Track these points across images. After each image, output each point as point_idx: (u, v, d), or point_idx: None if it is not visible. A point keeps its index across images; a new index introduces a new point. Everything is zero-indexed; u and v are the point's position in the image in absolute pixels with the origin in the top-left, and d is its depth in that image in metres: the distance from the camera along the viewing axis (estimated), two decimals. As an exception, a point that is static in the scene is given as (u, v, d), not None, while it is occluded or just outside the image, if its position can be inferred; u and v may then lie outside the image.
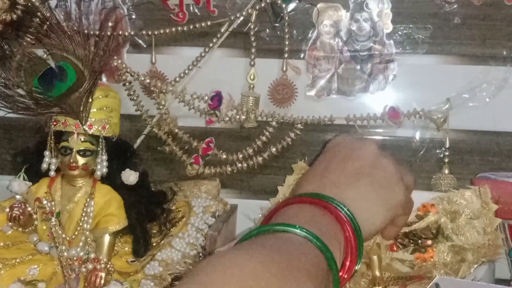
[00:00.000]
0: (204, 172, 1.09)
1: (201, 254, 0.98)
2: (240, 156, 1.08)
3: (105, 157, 0.97)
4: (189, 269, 0.89)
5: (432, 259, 0.84)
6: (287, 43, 1.04)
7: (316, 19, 1.07)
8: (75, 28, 0.97)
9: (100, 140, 0.97)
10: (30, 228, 1.00)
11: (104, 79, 1.11)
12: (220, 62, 1.10)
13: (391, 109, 1.04)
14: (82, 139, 0.97)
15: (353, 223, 0.57)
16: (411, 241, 0.86)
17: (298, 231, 0.52)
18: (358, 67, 1.07)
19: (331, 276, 0.51)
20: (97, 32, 0.98)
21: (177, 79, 1.09)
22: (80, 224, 0.97)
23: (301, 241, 0.51)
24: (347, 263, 0.55)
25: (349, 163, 0.63)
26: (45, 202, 0.97)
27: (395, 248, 0.87)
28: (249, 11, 1.04)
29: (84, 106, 0.96)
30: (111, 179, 0.98)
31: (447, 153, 1.05)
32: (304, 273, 0.47)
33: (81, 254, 0.95)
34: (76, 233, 0.97)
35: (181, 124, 1.12)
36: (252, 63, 1.04)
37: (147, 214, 1.01)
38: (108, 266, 0.95)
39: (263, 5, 1.04)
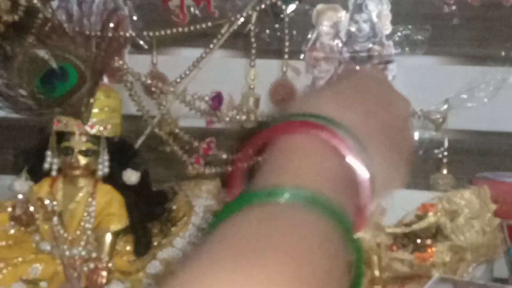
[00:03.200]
0: (205, 172, 1.10)
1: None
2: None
3: (106, 157, 0.98)
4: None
5: (431, 259, 0.84)
6: (287, 44, 1.04)
7: (316, 20, 1.07)
8: (77, 29, 0.98)
9: (102, 140, 0.98)
10: (32, 228, 1.00)
11: (105, 79, 1.12)
12: (220, 63, 1.11)
13: (390, 109, 1.05)
14: (84, 139, 0.97)
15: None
16: (410, 240, 0.86)
17: (305, 199, 0.33)
18: (358, 67, 1.08)
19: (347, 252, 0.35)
20: (98, 33, 0.98)
21: (178, 80, 1.09)
22: (82, 223, 0.97)
23: (316, 217, 0.33)
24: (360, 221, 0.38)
25: (378, 111, 0.44)
26: (47, 201, 0.97)
27: (394, 248, 0.88)
28: (249, 12, 1.05)
29: (86, 106, 0.96)
30: (113, 179, 0.99)
31: (445, 153, 1.05)
32: (319, 265, 0.31)
33: (83, 253, 0.96)
34: (78, 232, 0.97)
35: (182, 124, 1.13)
36: (252, 64, 1.05)
37: (148, 213, 1.01)
38: (110, 265, 0.96)
39: (263, 6, 1.04)
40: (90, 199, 0.97)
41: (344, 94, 0.44)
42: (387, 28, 1.06)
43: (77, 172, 0.97)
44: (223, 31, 1.07)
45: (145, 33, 1.08)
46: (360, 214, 0.38)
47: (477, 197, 0.81)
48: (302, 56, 1.08)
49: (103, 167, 0.98)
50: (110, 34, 0.99)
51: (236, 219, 0.33)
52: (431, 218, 0.85)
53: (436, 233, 0.85)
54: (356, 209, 0.38)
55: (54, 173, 0.98)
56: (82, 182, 0.99)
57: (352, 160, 0.38)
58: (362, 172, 0.38)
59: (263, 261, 0.29)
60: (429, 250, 0.84)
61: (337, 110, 0.40)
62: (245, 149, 0.41)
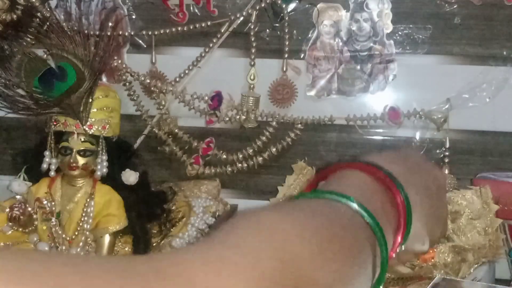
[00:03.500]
0: (204, 172, 1.09)
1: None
2: (240, 156, 1.08)
3: (105, 157, 0.97)
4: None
5: (432, 260, 0.84)
6: (287, 43, 1.04)
7: (316, 19, 1.07)
8: (75, 28, 0.97)
9: (100, 140, 0.97)
10: (30, 228, 1.00)
11: (104, 79, 1.11)
12: (220, 62, 1.10)
13: (391, 109, 1.04)
14: (82, 139, 0.97)
15: (408, 215, 0.49)
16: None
17: (351, 203, 0.44)
18: (358, 67, 1.07)
19: (378, 259, 0.44)
20: (97, 32, 0.98)
21: (177, 79, 1.09)
22: (80, 224, 0.97)
23: (352, 214, 0.44)
24: (391, 253, 0.48)
25: (420, 172, 0.55)
26: (45, 202, 0.97)
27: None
28: (249, 11, 1.04)
29: (84, 106, 0.96)
30: (111, 179, 0.98)
31: (447, 153, 1.05)
32: (349, 248, 0.41)
33: (81, 254, 0.95)
34: (76, 233, 0.97)
35: (181, 124, 1.12)
36: (252, 63, 1.05)
37: (147, 214, 1.01)
38: (108, 266, 0.95)
39: (263, 5, 1.04)
40: (88, 200, 0.97)
41: (390, 157, 0.55)
42: (388, 27, 1.06)
43: (76, 172, 0.97)
44: (222, 30, 1.07)
45: (144, 32, 1.07)
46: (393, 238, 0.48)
47: (478, 198, 0.81)
48: (302, 55, 1.08)
49: (102, 167, 0.97)
50: (109, 33, 0.99)
51: (315, 201, 0.44)
52: None
53: None
54: (394, 230, 0.48)
55: (52, 173, 0.98)
56: (80, 182, 0.98)
57: (392, 189, 0.49)
58: (401, 204, 0.48)
59: (323, 235, 0.40)
60: (431, 251, 0.83)
61: (387, 164, 0.51)
62: (322, 172, 0.52)
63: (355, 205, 0.44)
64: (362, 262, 0.42)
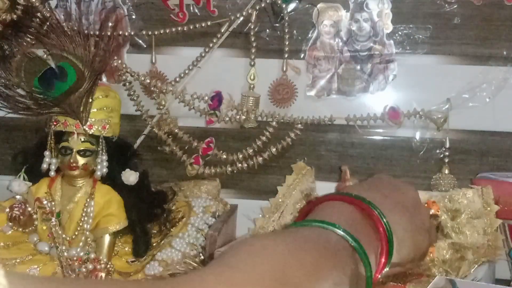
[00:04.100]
0: (204, 172, 1.09)
1: (201, 254, 0.98)
2: (240, 156, 1.08)
3: (105, 157, 0.97)
4: (189, 268, 0.89)
5: (431, 255, 0.84)
6: (287, 43, 1.04)
7: (316, 19, 1.07)
8: (75, 28, 0.97)
9: (100, 140, 0.97)
10: (30, 228, 1.00)
11: (104, 79, 1.11)
12: (220, 62, 1.10)
13: (391, 109, 1.04)
14: (82, 139, 0.97)
15: (389, 239, 0.55)
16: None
17: (337, 229, 0.50)
18: (358, 67, 1.07)
19: (363, 279, 0.50)
20: (97, 32, 0.98)
21: (177, 79, 1.09)
22: (80, 224, 0.97)
23: (337, 239, 0.50)
24: (376, 275, 0.54)
25: (393, 194, 0.61)
26: (45, 202, 0.97)
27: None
28: (249, 11, 1.04)
29: (84, 106, 0.96)
30: (111, 179, 0.98)
31: (447, 153, 1.05)
32: (338, 267, 0.46)
33: (81, 254, 0.95)
34: (76, 233, 0.97)
35: (181, 124, 1.12)
36: (252, 63, 1.05)
37: (147, 214, 1.01)
38: (108, 266, 0.95)
39: (263, 5, 1.04)
40: (88, 200, 0.97)
41: (367, 185, 0.62)
42: (388, 27, 1.06)
43: (76, 172, 0.97)
44: (222, 30, 1.07)
45: (144, 32, 1.07)
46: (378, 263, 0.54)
47: (479, 197, 0.81)
48: (302, 55, 1.08)
49: (102, 167, 0.97)
50: (109, 33, 0.99)
51: (306, 229, 0.50)
52: (433, 215, 0.85)
53: (437, 230, 0.85)
54: (378, 254, 0.54)
55: (52, 173, 0.98)
56: (80, 182, 0.98)
57: (373, 217, 0.55)
58: (382, 229, 0.54)
59: (314, 257, 0.45)
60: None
61: (363, 193, 0.58)
62: (311, 203, 0.58)
63: (340, 231, 0.50)
64: (350, 281, 0.47)
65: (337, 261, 0.47)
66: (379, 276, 0.54)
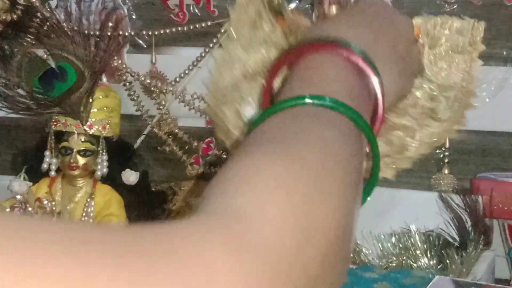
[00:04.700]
0: (204, 172, 1.09)
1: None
2: (240, 156, 1.08)
3: (105, 157, 0.97)
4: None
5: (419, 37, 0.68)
6: (287, 43, 1.04)
7: (316, 19, 1.07)
8: (76, 28, 0.97)
9: (101, 140, 0.97)
10: (30, 228, 1.00)
11: (104, 79, 1.11)
12: (220, 62, 1.10)
13: (391, 109, 1.04)
14: (83, 139, 0.97)
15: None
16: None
17: (328, 103, 0.39)
18: None
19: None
20: (97, 32, 0.98)
21: (177, 79, 1.09)
22: (81, 224, 0.97)
23: (342, 121, 0.39)
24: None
25: (387, 33, 0.49)
26: (45, 202, 0.97)
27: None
28: (249, 11, 1.04)
29: (85, 106, 0.96)
30: (112, 179, 0.98)
31: (447, 153, 1.05)
32: (346, 156, 0.37)
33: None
34: (77, 233, 0.97)
35: (181, 124, 1.12)
36: (252, 63, 1.04)
37: (148, 214, 1.01)
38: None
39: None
40: (89, 200, 0.97)
41: (355, 18, 0.49)
42: (388, 27, 1.06)
43: (76, 172, 0.97)
44: (223, 30, 1.07)
45: (144, 32, 1.07)
46: (374, 123, 0.44)
47: (467, 32, 0.65)
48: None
49: (102, 167, 0.97)
50: (109, 34, 0.99)
51: (272, 120, 0.38)
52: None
53: None
54: (370, 119, 0.43)
55: (52, 173, 0.98)
56: (81, 182, 0.98)
57: (369, 74, 0.43)
58: (377, 85, 0.44)
59: (296, 148, 0.35)
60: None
61: (351, 32, 0.46)
62: (271, 71, 0.46)
63: (349, 114, 0.39)
64: (356, 159, 0.38)
65: (347, 151, 0.38)
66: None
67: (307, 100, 0.39)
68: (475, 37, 0.64)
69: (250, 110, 0.58)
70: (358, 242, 0.96)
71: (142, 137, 1.13)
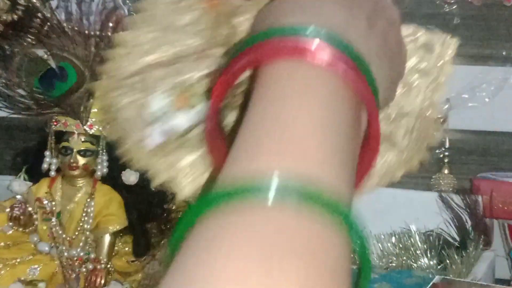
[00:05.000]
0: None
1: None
2: (240, 156, 1.08)
3: (105, 157, 0.97)
4: None
5: None
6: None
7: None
8: (76, 28, 0.97)
9: (101, 140, 0.97)
10: (30, 228, 1.00)
11: (104, 79, 1.11)
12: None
13: (391, 109, 1.04)
14: (83, 139, 0.97)
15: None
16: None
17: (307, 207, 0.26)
18: None
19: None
20: (97, 33, 0.98)
21: (178, 80, 1.09)
22: (81, 224, 0.97)
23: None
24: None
25: (378, 21, 0.37)
26: (45, 202, 0.97)
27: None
28: (249, 12, 1.04)
29: (85, 106, 0.96)
30: (112, 179, 0.98)
31: (447, 153, 1.05)
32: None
33: (82, 254, 0.96)
34: (77, 233, 0.97)
35: (182, 124, 1.12)
36: (252, 63, 1.04)
37: (148, 214, 1.01)
38: (108, 266, 0.95)
39: (263, 5, 1.04)
40: (89, 200, 0.97)
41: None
42: (388, 28, 1.06)
43: (76, 172, 0.97)
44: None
45: (144, 32, 1.07)
46: (364, 162, 0.34)
47: (440, 47, 0.51)
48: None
49: (102, 167, 0.97)
50: (109, 34, 0.99)
51: (212, 224, 0.26)
52: None
53: None
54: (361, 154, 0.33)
55: (53, 173, 0.98)
56: (81, 182, 0.98)
57: (364, 99, 0.31)
58: (375, 120, 0.32)
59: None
60: None
61: (340, 19, 0.32)
62: (220, 84, 0.30)
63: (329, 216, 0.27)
64: (341, 265, 0.28)
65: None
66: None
67: (267, 195, 0.25)
68: (444, 57, 0.51)
69: (158, 103, 0.45)
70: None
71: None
